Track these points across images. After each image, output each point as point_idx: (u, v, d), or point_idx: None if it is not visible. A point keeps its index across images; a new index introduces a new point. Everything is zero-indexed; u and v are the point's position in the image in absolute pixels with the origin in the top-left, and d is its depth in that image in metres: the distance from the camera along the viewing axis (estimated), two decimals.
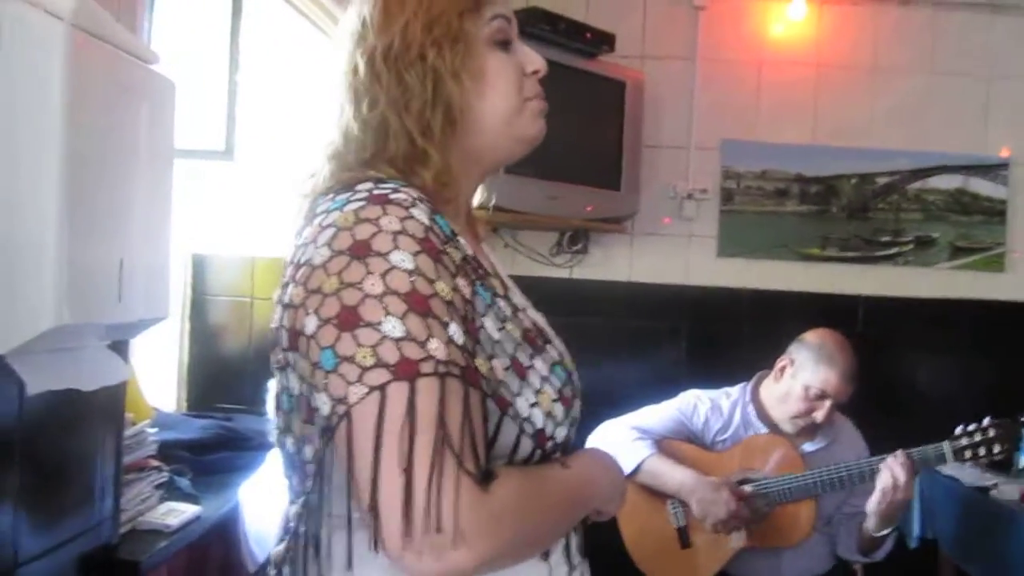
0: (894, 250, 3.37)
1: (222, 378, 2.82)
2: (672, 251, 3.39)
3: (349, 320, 0.82)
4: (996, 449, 2.28)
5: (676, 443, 2.51)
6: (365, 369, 0.81)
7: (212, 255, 2.91)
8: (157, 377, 2.76)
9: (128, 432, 1.72)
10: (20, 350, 1.12)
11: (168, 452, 2.06)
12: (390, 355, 0.81)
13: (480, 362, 0.89)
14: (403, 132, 0.97)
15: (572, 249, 3.34)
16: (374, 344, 0.81)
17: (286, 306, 0.90)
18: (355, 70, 0.99)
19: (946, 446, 2.29)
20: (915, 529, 2.98)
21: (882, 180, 3.36)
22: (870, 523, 2.30)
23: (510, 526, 0.86)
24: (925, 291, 3.35)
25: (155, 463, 1.84)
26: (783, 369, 2.49)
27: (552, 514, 0.96)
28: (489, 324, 0.93)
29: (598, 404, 2.71)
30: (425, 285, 0.84)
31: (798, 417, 2.43)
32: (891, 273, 3.37)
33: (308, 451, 0.91)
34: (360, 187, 0.92)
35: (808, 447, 2.47)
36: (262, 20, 2.82)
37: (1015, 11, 3.31)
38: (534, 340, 0.98)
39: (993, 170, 3.35)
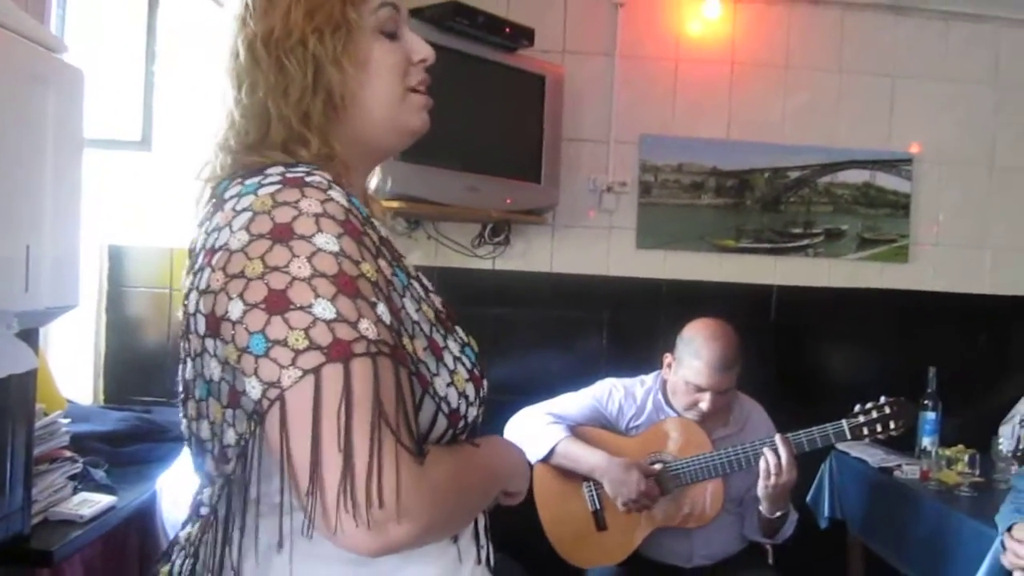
0: (805, 242, 3.49)
1: (140, 370, 2.79)
2: (593, 243, 3.45)
3: (278, 303, 0.83)
4: (892, 425, 2.40)
5: (590, 429, 2.59)
6: (298, 352, 0.82)
7: (129, 246, 2.88)
8: (74, 369, 2.72)
9: (40, 423, 1.71)
10: None
11: (84, 444, 2.04)
12: (322, 337, 0.82)
13: (405, 340, 0.90)
14: (282, 118, 0.97)
15: (494, 241, 3.38)
16: (306, 327, 0.82)
17: (203, 292, 0.89)
18: (236, 55, 0.98)
19: (844, 423, 2.41)
20: (825, 510, 3.10)
21: (794, 174, 3.48)
22: (762, 506, 2.40)
23: (445, 500, 0.89)
24: (835, 280, 3.48)
25: (68, 454, 1.83)
26: (669, 365, 2.61)
27: (474, 491, 1.00)
28: (408, 304, 0.94)
29: (521, 393, 2.79)
30: (351, 266, 0.85)
31: (689, 409, 2.53)
32: (802, 263, 3.49)
33: (230, 435, 0.90)
34: (271, 171, 0.92)
35: (720, 432, 2.57)
36: (180, 9, 2.79)
37: (917, 13, 3.46)
38: (445, 321, 1.00)
39: (898, 165, 3.49)
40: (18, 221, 1.24)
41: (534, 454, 2.51)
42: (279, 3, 0.98)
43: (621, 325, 3.40)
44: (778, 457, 2.33)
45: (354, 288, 0.85)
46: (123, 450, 2.18)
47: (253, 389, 0.84)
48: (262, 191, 0.89)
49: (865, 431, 2.41)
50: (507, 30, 2.99)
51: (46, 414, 1.78)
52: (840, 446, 3.09)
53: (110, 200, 2.67)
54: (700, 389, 2.49)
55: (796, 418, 2.53)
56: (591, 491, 2.54)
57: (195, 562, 0.97)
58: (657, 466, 2.50)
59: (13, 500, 1.52)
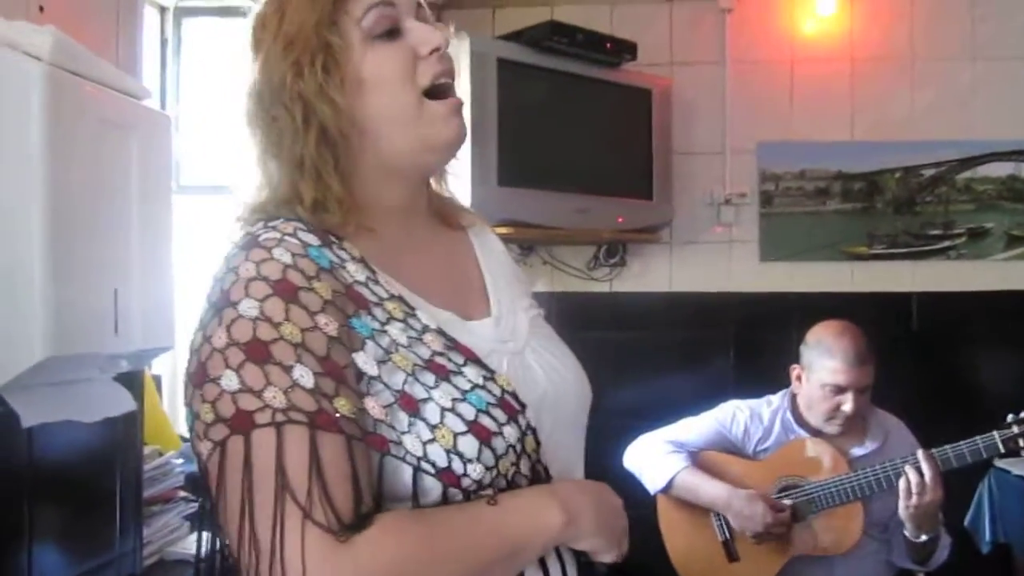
0: (946, 243, 3.26)
1: None
2: (713, 258, 3.32)
3: (199, 377, 0.81)
4: None
5: (715, 454, 2.45)
6: (208, 425, 0.79)
7: None
8: None
9: (152, 464, 1.74)
10: (13, 384, 1.14)
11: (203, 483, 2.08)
12: (226, 409, 0.79)
13: (342, 402, 0.81)
14: (279, 173, 0.90)
15: (610, 262, 3.31)
16: (214, 400, 0.80)
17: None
18: (242, 116, 0.93)
19: (996, 435, 2.18)
20: (986, 533, 2.87)
21: (928, 172, 3.26)
22: (907, 529, 2.20)
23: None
24: (981, 284, 3.22)
25: (183, 494, 1.86)
26: (798, 376, 2.43)
27: (454, 560, 0.83)
28: (363, 360, 0.84)
29: (644, 418, 2.69)
30: (268, 330, 0.80)
31: (831, 418, 2.34)
32: (944, 267, 3.26)
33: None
34: (252, 229, 0.89)
35: (857, 451, 2.38)
36: None
37: None
38: (440, 367, 0.87)
39: None
40: (105, 266, 1.26)
41: (653, 485, 2.39)
42: (261, 47, 0.91)
43: (748, 344, 3.25)
44: (920, 475, 2.13)
45: (265, 353, 0.80)
46: None
47: (197, 459, 0.84)
48: (226, 255, 0.87)
49: (1021, 443, 2.18)
50: (608, 46, 2.93)
51: (160, 454, 1.82)
52: (1000, 463, 2.84)
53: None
54: (840, 389, 2.31)
55: (943, 435, 2.31)
56: (719, 520, 2.40)
57: None
58: (788, 495, 2.34)
59: (125, 541, 1.55)
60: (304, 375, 0.80)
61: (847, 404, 2.30)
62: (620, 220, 3.00)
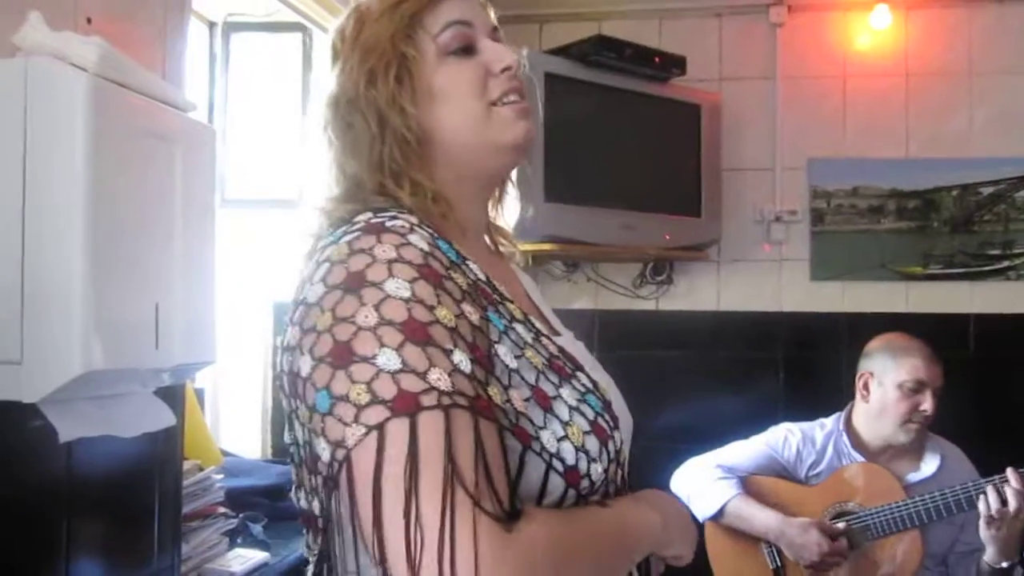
0: (1005, 264, 3.15)
1: None
2: (762, 277, 3.26)
3: (343, 356, 0.77)
4: None
5: (765, 479, 2.37)
6: (361, 407, 0.75)
7: None
8: (244, 424, 2.80)
9: (192, 479, 1.72)
10: (51, 397, 1.12)
11: (244, 498, 2.07)
12: (386, 390, 0.74)
13: (494, 392, 0.81)
14: (360, 174, 0.94)
15: (656, 280, 3.25)
16: (368, 380, 0.75)
17: (284, 349, 0.86)
18: (319, 119, 0.97)
19: None
20: None
21: (986, 190, 3.16)
22: (988, 554, 2.10)
23: (545, 571, 0.77)
24: None
25: (222, 510, 1.84)
26: (866, 384, 2.36)
27: (590, 559, 0.85)
28: (503, 351, 0.85)
29: (690, 441, 2.63)
30: (424, 312, 0.78)
31: (908, 421, 2.26)
32: (1003, 289, 3.15)
33: (317, 504, 0.84)
34: (359, 218, 0.88)
35: (913, 477, 2.30)
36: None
37: None
38: (561, 368, 0.90)
39: None
40: (147, 279, 1.25)
41: (702, 513, 2.33)
42: (341, 58, 0.97)
43: (798, 365, 3.17)
44: (1002, 496, 2.04)
45: (425, 335, 0.77)
46: (283, 504, 2.19)
47: (324, 451, 0.78)
48: (343, 239, 0.85)
49: None
50: (657, 60, 2.90)
51: (201, 469, 1.80)
52: None
53: (274, 258, 2.74)
54: (920, 385, 2.26)
55: (1002, 462, 2.21)
56: (770, 548, 2.32)
57: None
58: (842, 522, 2.26)
59: (163, 557, 1.53)
60: (463, 360, 0.78)
61: (926, 403, 2.25)
62: (667, 237, 2.95)
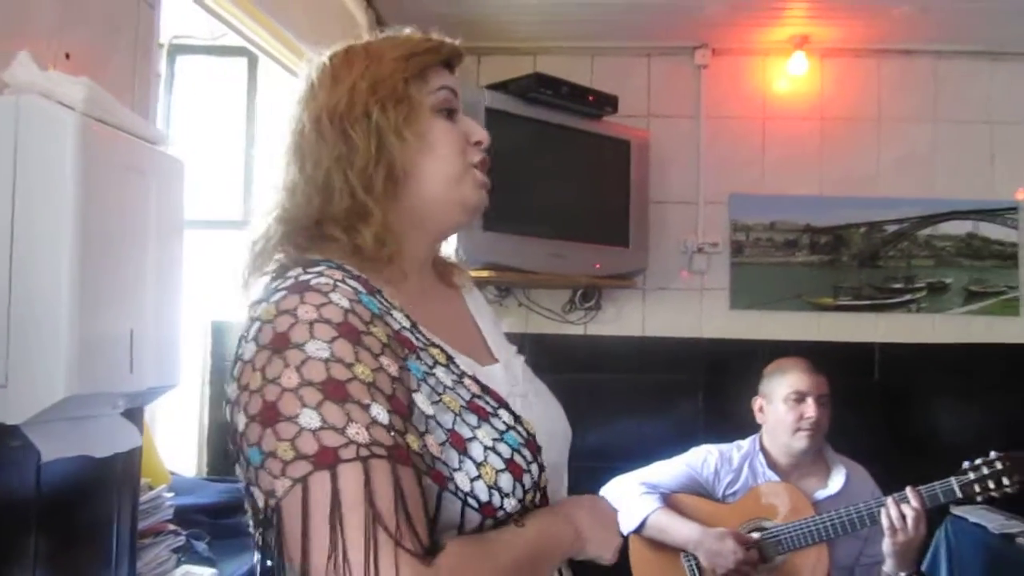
0: (907, 297, 3.39)
1: None
2: (685, 305, 3.42)
3: (270, 416, 0.83)
4: (1006, 482, 2.24)
5: (686, 497, 2.52)
6: (287, 463, 0.82)
7: (232, 322, 2.97)
8: (178, 442, 2.82)
9: (145, 497, 1.77)
10: (35, 419, 1.18)
11: (186, 516, 2.10)
12: (308, 447, 0.81)
13: (412, 439, 0.87)
14: (346, 188, 0.99)
15: (585, 306, 3.39)
16: (292, 437, 0.82)
17: (227, 402, 0.92)
18: (301, 131, 1.02)
19: (953, 481, 2.27)
20: None
21: (891, 228, 3.39)
22: (888, 565, 2.27)
23: None
24: (941, 336, 3.35)
25: (172, 527, 1.88)
26: (761, 408, 2.59)
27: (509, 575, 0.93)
28: (421, 399, 0.91)
29: (615, 459, 2.75)
30: (342, 370, 0.85)
31: (797, 429, 2.46)
32: (906, 320, 3.39)
33: (258, 543, 0.91)
34: (290, 273, 0.94)
35: (820, 494, 2.47)
36: (276, 95, 2.93)
37: (1014, 58, 3.36)
38: (480, 408, 0.96)
39: (1002, 214, 3.37)
40: (123, 306, 1.31)
41: (626, 526, 2.45)
42: (344, 79, 1.02)
43: (717, 388, 3.34)
44: (900, 511, 2.22)
45: (343, 393, 0.84)
46: (224, 522, 2.23)
47: (259, 499, 0.85)
48: (272, 298, 0.90)
49: (977, 488, 2.26)
50: (591, 98, 3.03)
51: (151, 488, 1.84)
52: (956, 511, 2.94)
53: (214, 279, 2.78)
54: (801, 396, 2.48)
55: (902, 481, 2.39)
56: (689, 562, 2.47)
57: None
58: (755, 534, 2.42)
59: (119, 573, 1.57)
60: (380, 412, 0.85)
61: (810, 410, 2.44)
62: (597, 266, 3.09)
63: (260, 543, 0.90)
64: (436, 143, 1.04)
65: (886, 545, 2.24)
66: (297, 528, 0.80)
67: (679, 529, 2.43)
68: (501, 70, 3.13)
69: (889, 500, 2.26)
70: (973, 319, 3.37)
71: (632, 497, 2.50)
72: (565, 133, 3.03)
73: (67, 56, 1.40)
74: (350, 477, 0.81)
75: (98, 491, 1.51)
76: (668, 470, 2.58)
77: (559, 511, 1.03)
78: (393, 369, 0.89)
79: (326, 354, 0.85)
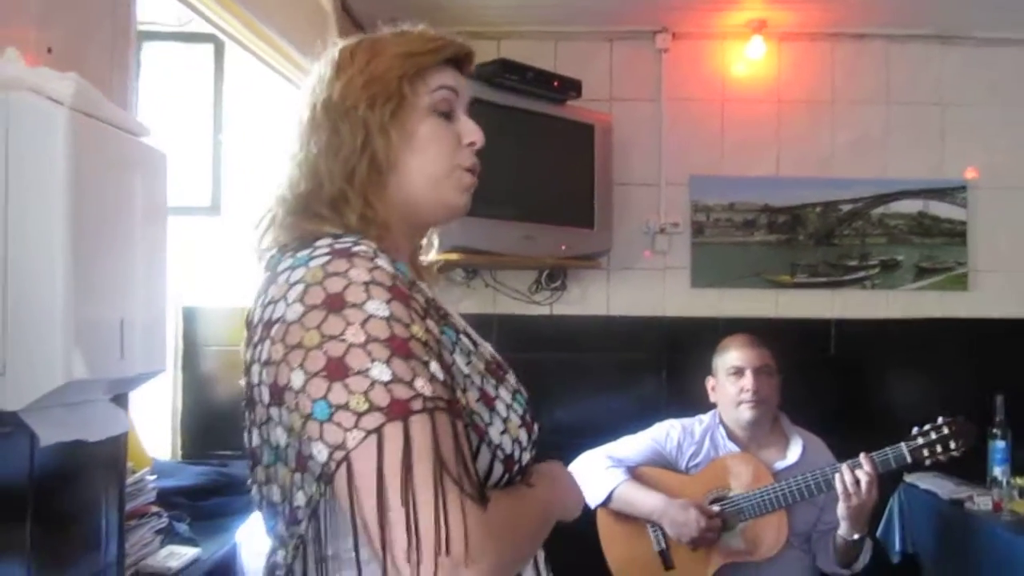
0: (861, 274, 3.50)
1: (215, 425, 2.89)
2: (648, 284, 3.50)
3: (338, 370, 0.87)
4: (953, 445, 2.37)
5: (651, 470, 2.62)
6: (360, 415, 0.86)
7: (202, 307, 3.00)
8: (153, 426, 2.84)
9: (129, 480, 1.81)
10: (33, 406, 1.21)
11: (166, 498, 2.15)
12: (382, 399, 0.86)
13: (458, 395, 0.95)
14: (330, 176, 1.05)
15: (551, 286, 3.45)
16: (365, 390, 0.86)
17: (264, 363, 0.95)
18: (301, 120, 1.09)
19: (903, 446, 2.39)
20: (896, 544, 3.07)
21: (846, 207, 3.50)
22: (842, 528, 2.39)
23: (508, 542, 0.94)
24: (894, 312, 3.47)
25: (155, 509, 1.93)
26: (713, 387, 2.73)
27: (533, 528, 1.05)
28: (459, 359, 1.00)
29: (582, 436, 2.84)
30: (402, 329, 0.90)
31: (741, 402, 2.60)
32: (860, 296, 3.50)
33: (300, 497, 0.94)
34: (319, 243, 0.98)
35: (780, 465, 2.58)
36: (242, 82, 2.94)
37: (963, 41, 3.47)
38: (496, 371, 1.05)
39: (951, 193, 3.49)
40: (113, 293, 1.35)
41: (593, 499, 2.55)
42: (345, 71, 1.08)
43: (680, 365, 3.42)
44: (851, 476, 2.33)
45: (406, 349, 0.89)
46: (204, 503, 2.28)
47: (320, 453, 0.88)
48: (313, 263, 0.94)
49: (925, 452, 2.39)
50: (555, 83, 3.09)
51: (135, 471, 1.89)
52: (909, 478, 3.07)
53: (183, 264, 2.80)
54: (739, 371, 2.60)
55: (857, 448, 2.50)
56: (655, 531, 2.56)
57: None
58: (716, 507, 2.52)
59: (108, 555, 1.62)
60: (437, 369, 0.92)
61: (747, 382, 2.56)
62: (563, 247, 3.15)
63: (313, 497, 0.92)
64: (424, 142, 1.08)
65: (840, 509, 2.36)
66: (371, 477, 0.85)
67: (644, 500, 2.53)
68: None
69: (844, 466, 2.37)
70: (924, 295, 3.49)
71: (599, 471, 2.59)
72: (530, 118, 3.08)
73: (49, 50, 1.43)
74: (419, 428, 0.87)
75: (88, 475, 1.55)
76: (633, 444, 2.68)
77: (546, 475, 1.12)
78: (436, 331, 0.97)
79: (386, 312, 0.90)
